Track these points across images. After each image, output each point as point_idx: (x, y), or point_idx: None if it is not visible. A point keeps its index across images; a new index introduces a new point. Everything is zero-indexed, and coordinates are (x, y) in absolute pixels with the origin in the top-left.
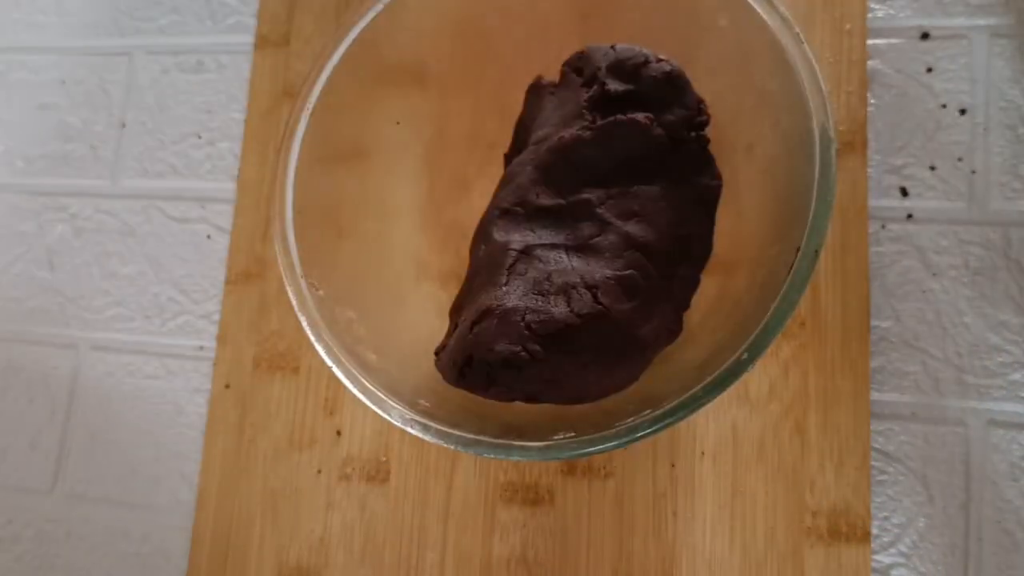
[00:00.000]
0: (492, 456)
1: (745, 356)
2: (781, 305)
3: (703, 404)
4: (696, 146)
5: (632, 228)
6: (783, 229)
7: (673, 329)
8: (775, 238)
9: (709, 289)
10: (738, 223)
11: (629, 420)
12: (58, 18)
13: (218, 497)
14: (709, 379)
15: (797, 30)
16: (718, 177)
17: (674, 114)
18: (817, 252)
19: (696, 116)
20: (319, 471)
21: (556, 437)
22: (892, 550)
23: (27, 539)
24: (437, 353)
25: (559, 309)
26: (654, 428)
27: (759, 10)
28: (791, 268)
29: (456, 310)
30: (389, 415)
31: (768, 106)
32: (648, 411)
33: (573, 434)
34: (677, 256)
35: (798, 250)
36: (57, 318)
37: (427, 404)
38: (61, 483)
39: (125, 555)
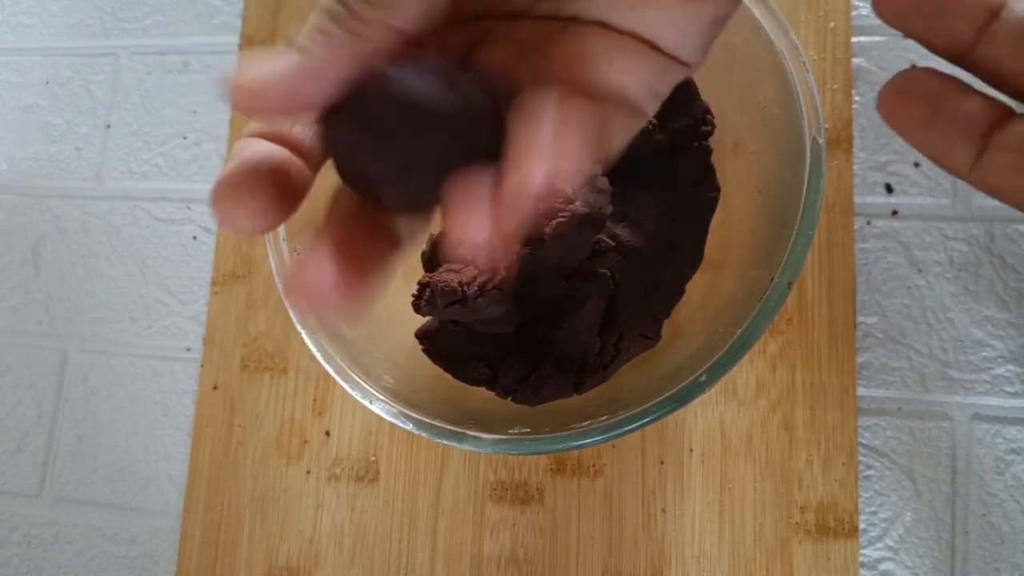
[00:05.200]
0: (444, 442)
1: (704, 378)
2: (744, 334)
3: (657, 418)
4: (698, 155)
5: (620, 231)
6: (767, 245)
7: (648, 336)
8: (758, 256)
9: (694, 297)
10: (727, 224)
11: (585, 424)
12: (42, 19)
13: (207, 499)
14: (667, 394)
15: (796, 39)
16: (716, 189)
17: (679, 121)
18: (790, 284)
19: (701, 125)
20: (308, 472)
21: (511, 431)
22: (880, 544)
23: (14, 543)
24: (418, 335)
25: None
26: (606, 435)
27: (758, 15)
28: (763, 297)
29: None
30: (353, 389)
31: (759, 107)
32: (605, 417)
33: (528, 430)
34: (664, 264)
35: (772, 280)
36: (43, 320)
37: (391, 381)
38: (48, 486)
39: (113, 558)
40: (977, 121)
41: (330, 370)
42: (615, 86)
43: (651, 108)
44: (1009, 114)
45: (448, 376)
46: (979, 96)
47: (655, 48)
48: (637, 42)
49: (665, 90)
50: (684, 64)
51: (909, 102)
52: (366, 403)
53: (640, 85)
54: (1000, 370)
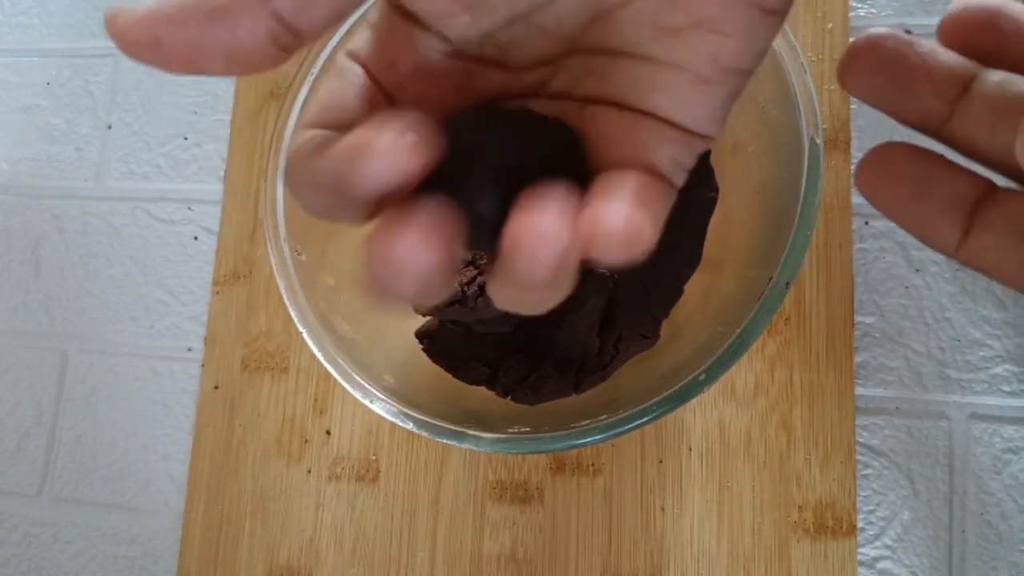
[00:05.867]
0: (444, 441)
1: (703, 377)
2: (743, 334)
3: (655, 417)
4: None
5: None
6: (765, 245)
7: (647, 336)
8: (756, 256)
9: (693, 297)
10: (725, 224)
11: (585, 422)
12: (41, 19)
13: (207, 498)
14: (666, 394)
15: (794, 41)
16: (715, 189)
17: None
18: (788, 284)
19: None
20: (309, 471)
21: (511, 431)
22: (877, 543)
23: (14, 543)
24: (418, 335)
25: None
26: (605, 434)
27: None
28: (761, 296)
29: None
30: (354, 389)
31: (758, 108)
32: (604, 416)
33: (528, 429)
34: (662, 264)
35: (770, 279)
36: (43, 320)
37: (392, 381)
38: (48, 486)
39: (114, 558)
40: (961, 200)
41: (331, 370)
42: (641, 164)
43: (679, 180)
44: (992, 189)
45: (448, 376)
46: (961, 172)
47: (674, 125)
48: (655, 120)
49: (690, 162)
50: (704, 137)
51: (890, 181)
52: (366, 403)
53: (665, 160)
54: (997, 369)
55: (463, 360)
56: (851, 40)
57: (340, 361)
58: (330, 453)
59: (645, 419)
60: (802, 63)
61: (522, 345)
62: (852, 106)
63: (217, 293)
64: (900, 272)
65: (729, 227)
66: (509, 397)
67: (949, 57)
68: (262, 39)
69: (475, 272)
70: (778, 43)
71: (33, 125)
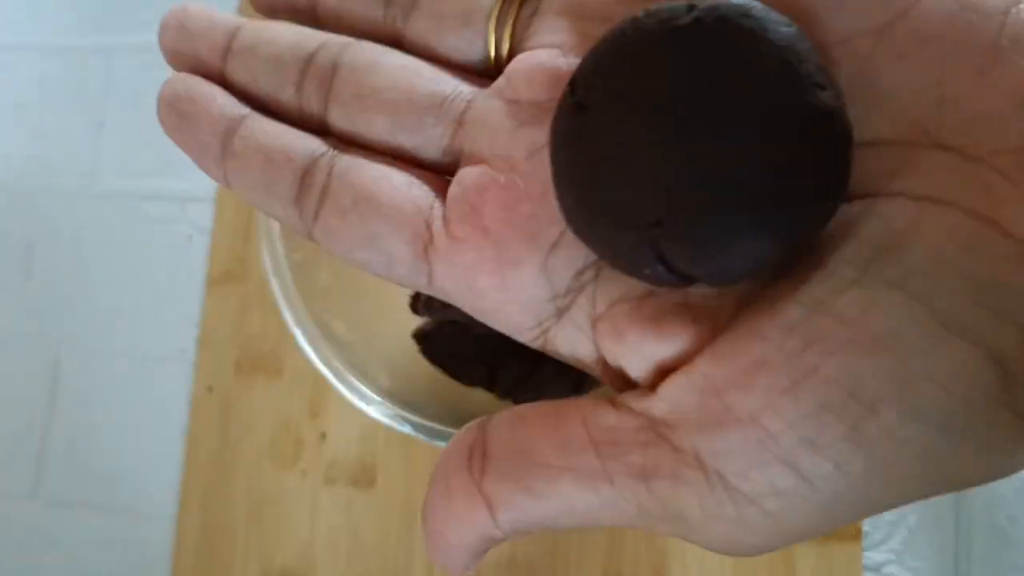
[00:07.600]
0: (442, 444)
1: None
2: None
3: None
4: None
5: None
6: None
7: None
8: None
9: None
10: None
11: None
12: (34, 15)
13: (201, 502)
14: None
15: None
16: None
17: None
18: None
19: None
20: (304, 475)
21: None
22: (883, 547)
23: (7, 547)
24: (415, 336)
25: None
26: None
27: None
28: None
29: None
30: (349, 391)
31: None
32: None
33: None
34: None
35: None
36: (35, 322)
37: (388, 383)
38: (41, 490)
39: (107, 562)
40: None
41: (325, 372)
42: None
43: None
44: None
45: (446, 377)
46: None
47: None
48: None
49: None
50: None
51: None
52: (362, 406)
53: None
54: None
55: (461, 361)
56: None
57: (335, 363)
58: (325, 456)
59: None
60: None
61: (521, 345)
62: None
63: (211, 293)
64: None
65: None
66: (509, 398)
67: None
68: None
69: None
70: None
71: (24, 123)
